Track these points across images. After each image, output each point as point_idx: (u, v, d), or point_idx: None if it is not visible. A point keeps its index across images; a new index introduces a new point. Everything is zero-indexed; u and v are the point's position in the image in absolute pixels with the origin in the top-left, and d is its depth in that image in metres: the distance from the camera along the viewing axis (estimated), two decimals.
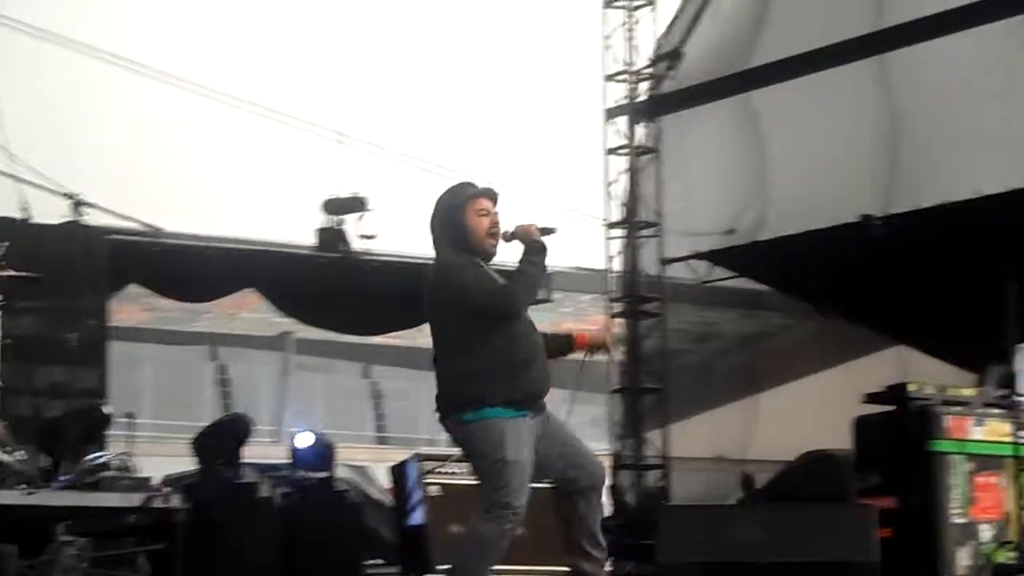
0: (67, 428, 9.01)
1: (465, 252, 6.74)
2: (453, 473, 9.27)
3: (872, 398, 8.41)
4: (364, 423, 29.11)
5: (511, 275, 6.72)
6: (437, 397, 6.91)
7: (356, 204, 13.41)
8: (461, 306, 6.64)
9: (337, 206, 13.52)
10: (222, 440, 9.68)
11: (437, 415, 6.92)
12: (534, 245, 6.72)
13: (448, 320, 6.73)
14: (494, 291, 6.63)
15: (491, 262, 6.81)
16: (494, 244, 6.77)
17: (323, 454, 10.15)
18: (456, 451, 9.54)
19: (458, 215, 6.77)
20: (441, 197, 6.95)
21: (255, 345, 27.24)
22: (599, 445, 16.55)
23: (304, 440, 10.18)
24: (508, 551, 6.68)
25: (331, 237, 13.46)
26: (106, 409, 9.63)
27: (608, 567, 8.56)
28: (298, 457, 10.20)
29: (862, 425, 8.40)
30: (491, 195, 6.86)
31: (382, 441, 28.74)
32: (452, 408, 6.76)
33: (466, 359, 6.66)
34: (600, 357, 6.95)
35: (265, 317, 24.08)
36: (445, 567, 8.68)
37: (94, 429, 9.09)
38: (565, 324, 27.50)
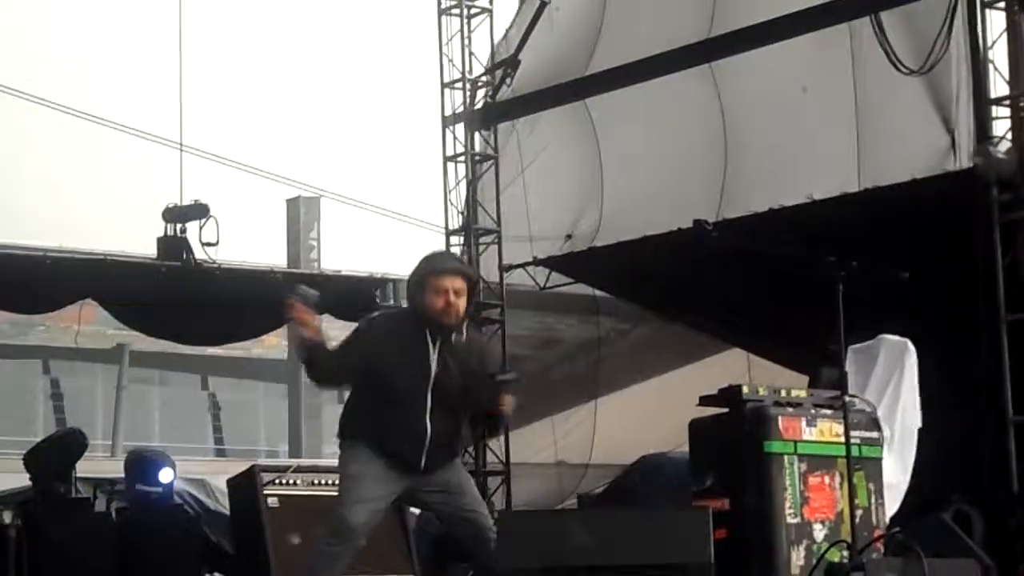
0: None
1: (414, 318, 6.97)
2: (291, 484, 9.21)
3: (706, 400, 8.50)
4: (202, 435, 28.83)
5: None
6: None
7: (197, 211, 13.27)
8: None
9: (178, 214, 13.36)
10: (55, 455, 9.51)
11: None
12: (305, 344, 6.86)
13: None
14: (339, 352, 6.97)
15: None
16: (449, 320, 6.91)
17: (158, 467, 10.00)
18: (294, 462, 9.58)
19: (419, 293, 6.97)
20: (417, 264, 7.14)
21: (90, 359, 26.85)
22: None
23: (166, 476, 10.03)
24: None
25: (173, 245, 13.30)
26: None
27: None
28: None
29: (697, 427, 8.49)
30: (459, 273, 7.02)
31: (220, 453, 28.48)
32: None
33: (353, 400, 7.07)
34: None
35: (100, 330, 23.75)
36: None
37: None
38: None
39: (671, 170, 14.84)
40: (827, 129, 13.45)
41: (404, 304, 7.19)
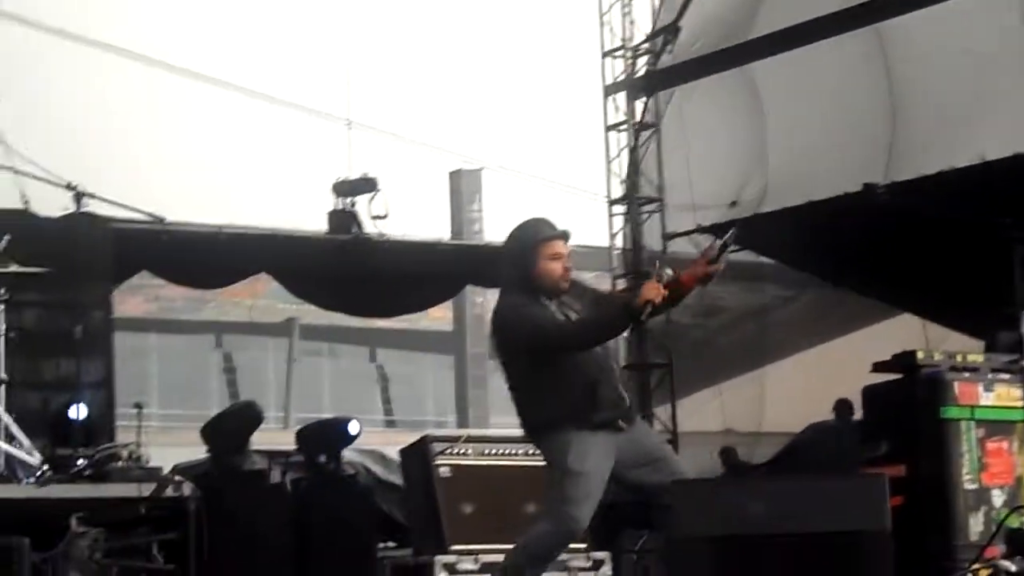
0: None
1: (531, 292, 6.84)
2: (463, 454, 9.27)
3: (880, 367, 8.39)
4: (372, 407, 29.18)
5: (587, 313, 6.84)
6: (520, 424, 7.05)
7: (366, 185, 13.39)
8: (527, 341, 6.77)
9: (347, 188, 13.49)
10: (231, 428, 9.68)
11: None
12: (636, 309, 6.70)
13: (515, 355, 6.90)
14: (548, 326, 6.74)
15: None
16: (566, 285, 6.86)
17: (332, 438, 10.14)
18: (464, 432, 9.64)
19: (529, 259, 6.84)
20: (512, 235, 7.04)
21: (260, 332, 27.31)
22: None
23: (354, 428, 10.12)
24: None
25: (342, 219, 13.44)
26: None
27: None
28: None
29: (870, 394, 8.39)
30: (564, 236, 6.94)
31: (390, 424, 28.82)
32: (530, 432, 6.95)
33: (535, 388, 6.82)
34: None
35: (270, 304, 24.15)
36: (457, 548, 8.74)
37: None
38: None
39: (837, 134, 14.65)
40: (995, 88, 13.18)
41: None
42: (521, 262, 6.86)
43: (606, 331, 6.86)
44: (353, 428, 10.00)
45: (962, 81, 13.51)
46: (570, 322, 6.82)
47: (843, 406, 15.06)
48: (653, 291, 6.68)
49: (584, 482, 6.65)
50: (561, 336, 6.75)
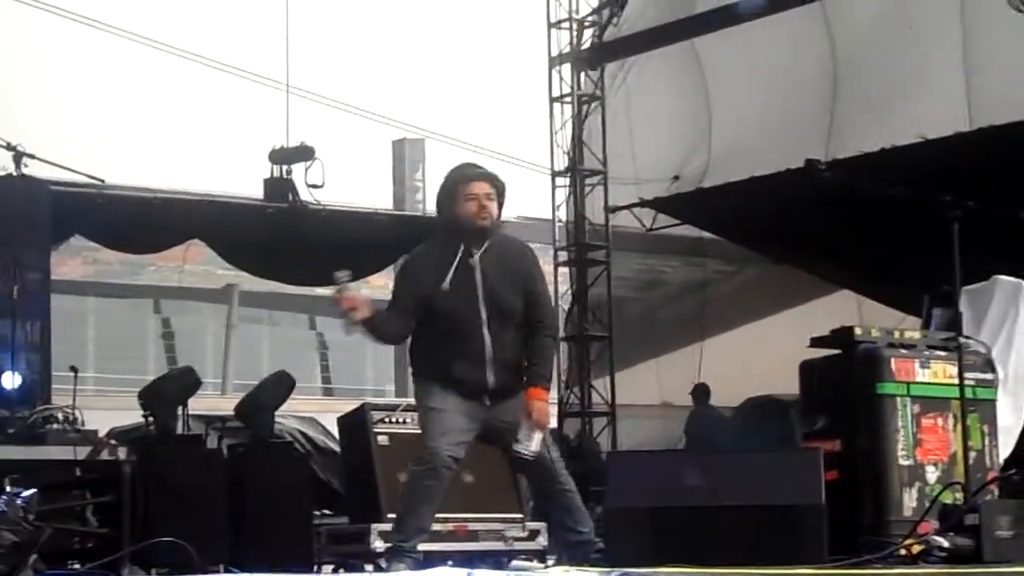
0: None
1: (451, 235, 6.89)
2: (401, 423, 9.26)
3: (818, 342, 8.41)
4: (310, 374, 29.09)
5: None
6: None
7: (303, 153, 13.32)
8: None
9: (284, 156, 13.42)
10: (168, 393, 9.60)
11: None
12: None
13: None
14: (391, 306, 6.92)
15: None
16: (485, 223, 6.83)
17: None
18: (403, 401, 9.61)
19: (451, 201, 6.90)
20: (441, 182, 7.11)
21: (199, 298, 27.16)
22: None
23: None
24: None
25: (279, 187, 13.37)
26: None
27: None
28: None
29: (808, 369, 8.41)
30: (485, 178, 6.94)
31: (328, 392, 28.74)
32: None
33: (415, 335, 6.98)
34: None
35: (209, 270, 23.99)
36: (393, 515, 8.74)
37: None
38: None
39: (779, 111, 14.72)
40: (934, 66, 13.27)
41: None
42: (441, 204, 6.98)
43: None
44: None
45: (903, 60, 13.59)
46: (387, 316, 6.88)
47: (699, 390, 15.26)
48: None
49: (439, 418, 6.77)
50: (379, 325, 6.89)
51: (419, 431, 8.49)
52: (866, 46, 14.09)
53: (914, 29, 13.58)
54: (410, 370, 7.11)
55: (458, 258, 6.82)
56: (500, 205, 6.95)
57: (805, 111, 14.47)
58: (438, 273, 6.80)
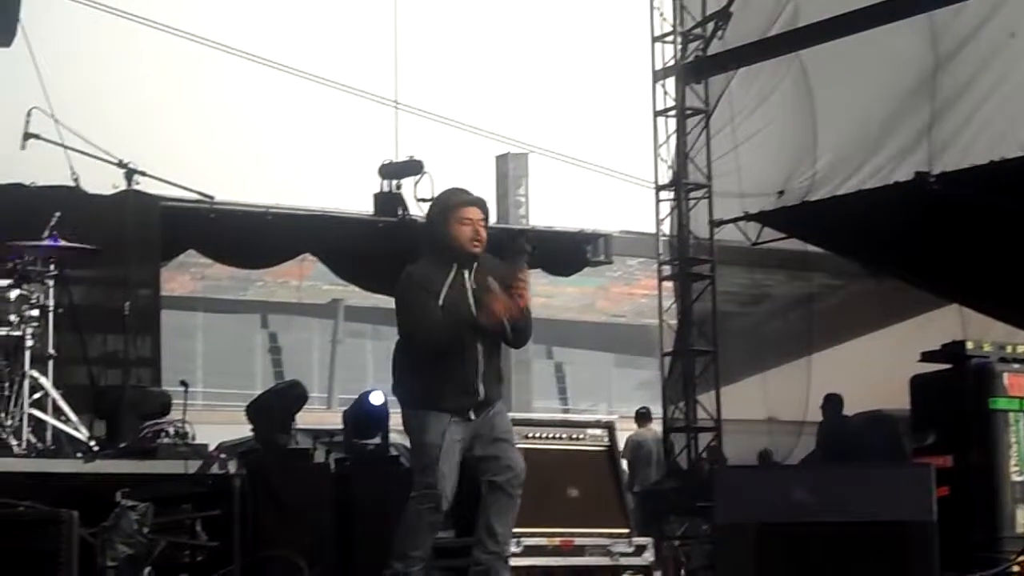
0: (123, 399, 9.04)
1: (442, 255, 7.07)
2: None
3: (929, 356, 8.33)
4: None
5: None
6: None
7: (413, 167, 13.37)
8: (399, 319, 7.11)
9: (393, 170, 13.49)
10: (276, 407, 9.68)
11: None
12: (485, 327, 6.97)
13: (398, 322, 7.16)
14: (420, 326, 6.96)
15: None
16: (477, 249, 7.04)
17: (377, 420, 10.14)
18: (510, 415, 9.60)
19: (443, 223, 7.10)
20: (431, 203, 7.41)
21: (305, 313, 27.41)
22: (651, 408, 16.56)
23: (377, 399, 10.14)
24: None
25: (388, 201, 13.43)
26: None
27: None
28: (362, 415, 10.14)
29: (918, 384, 8.33)
30: (478, 204, 7.16)
31: None
32: (398, 397, 7.21)
33: (402, 362, 7.16)
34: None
35: (315, 284, 24.20)
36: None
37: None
38: (614, 288, 27.53)
39: (883, 124, 14.58)
40: None
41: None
42: (436, 226, 7.14)
43: (454, 341, 6.99)
44: (376, 399, 10.04)
45: (1006, 69, 13.42)
46: (432, 320, 6.93)
47: (830, 401, 15.08)
48: (501, 307, 6.91)
49: (438, 455, 6.91)
50: (423, 332, 6.95)
51: (524, 445, 8.55)
52: (969, 57, 13.93)
53: (1016, 39, 13.42)
54: (400, 397, 7.17)
55: (451, 278, 7.02)
56: (486, 230, 7.17)
57: (914, 123, 14.31)
58: (435, 290, 6.99)
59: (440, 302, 6.96)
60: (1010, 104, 13.31)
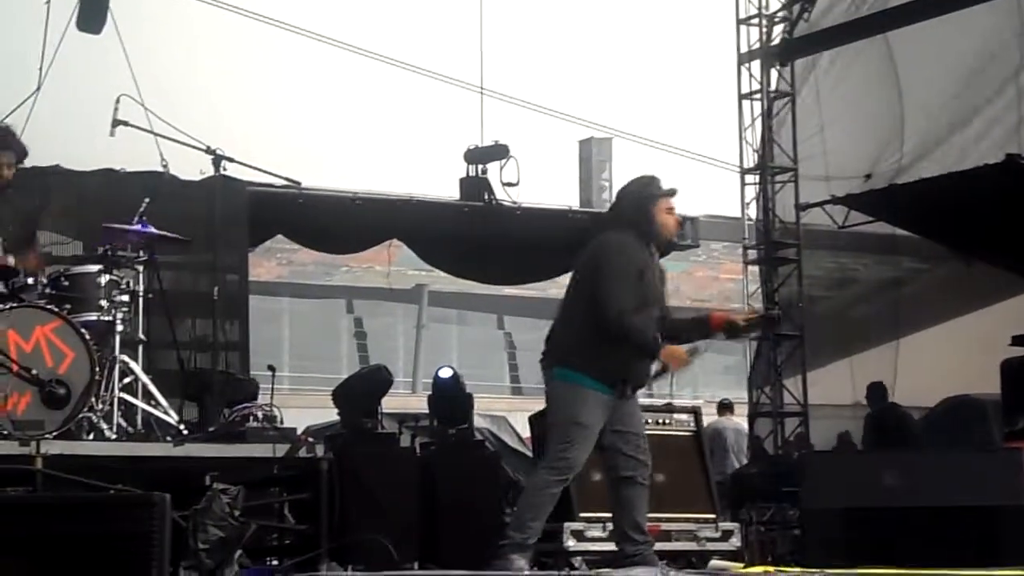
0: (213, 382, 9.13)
1: (642, 238, 7.15)
2: None
3: (1020, 340, 8.24)
4: (499, 374, 29.29)
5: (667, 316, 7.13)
6: (546, 343, 7.37)
7: (498, 152, 13.37)
8: (598, 284, 7.05)
9: (479, 155, 13.49)
10: (361, 391, 9.72)
11: (540, 361, 7.36)
12: (655, 355, 7.05)
13: (585, 287, 7.15)
14: (620, 308, 6.96)
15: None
16: (674, 239, 7.34)
17: (462, 404, 10.16)
18: None
19: (651, 207, 7.17)
20: (634, 181, 7.37)
21: (390, 298, 27.53)
22: (736, 393, 16.52)
23: (445, 372, 10.19)
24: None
25: (474, 186, 13.44)
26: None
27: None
28: (438, 390, 10.20)
29: (1009, 367, 8.26)
30: (675, 195, 7.27)
31: (517, 391, 28.90)
32: (553, 362, 7.25)
33: (579, 327, 7.15)
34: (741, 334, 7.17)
35: (400, 270, 24.30)
36: (585, 515, 8.75)
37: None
38: (698, 272, 27.41)
39: (971, 106, 14.44)
40: None
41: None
42: (643, 206, 7.18)
43: (642, 350, 7.06)
44: (445, 372, 10.11)
45: None
46: (634, 316, 6.97)
47: (876, 389, 14.93)
48: (676, 360, 6.97)
49: (583, 434, 7.03)
50: (620, 320, 6.95)
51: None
52: None
53: None
54: (562, 362, 7.18)
55: (654, 258, 7.16)
56: None
57: (1003, 104, 14.17)
58: (650, 271, 7.11)
59: (642, 279, 7.04)
60: None
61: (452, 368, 10.16)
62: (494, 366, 29.44)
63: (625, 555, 7.19)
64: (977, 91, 14.39)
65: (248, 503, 7.15)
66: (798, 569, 6.26)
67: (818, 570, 5.68)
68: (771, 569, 6.35)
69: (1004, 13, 13.90)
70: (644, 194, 7.19)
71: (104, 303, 8.14)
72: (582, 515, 8.79)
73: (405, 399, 18.11)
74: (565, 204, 15.46)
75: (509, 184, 13.36)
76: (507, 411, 15.60)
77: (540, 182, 15.47)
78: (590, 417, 6.99)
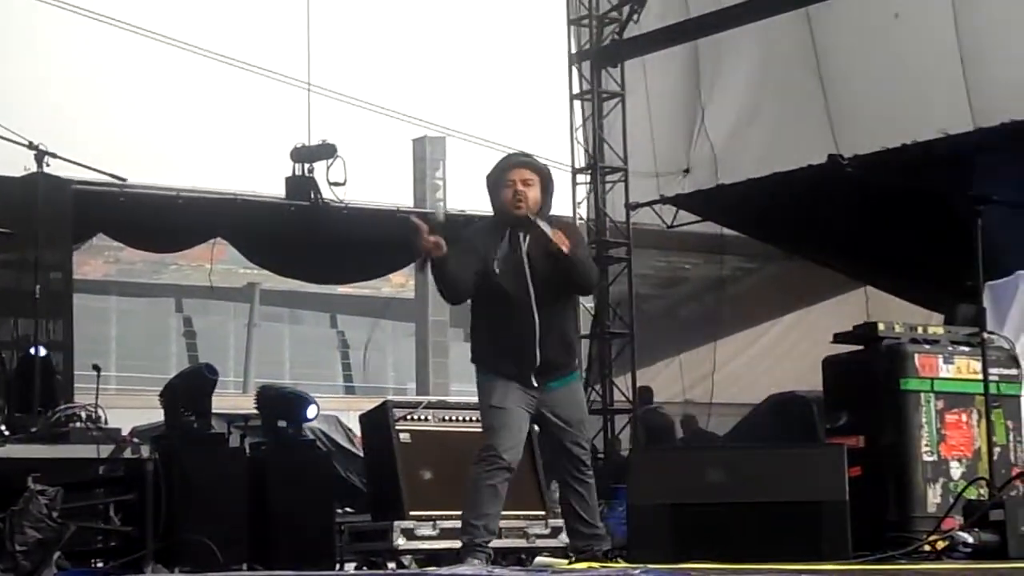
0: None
1: (497, 224, 7.00)
2: (423, 420, 9.25)
3: (841, 338, 8.38)
4: (332, 373, 29.16)
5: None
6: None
7: (325, 151, 13.31)
8: None
9: (306, 154, 13.41)
10: (188, 390, 9.58)
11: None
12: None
13: None
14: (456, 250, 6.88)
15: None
16: (520, 210, 6.91)
17: (291, 404, 10.07)
18: (425, 399, 9.59)
19: (493, 192, 7.05)
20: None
21: (221, 297, 27.24)
22: None
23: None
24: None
25: (301, 185, 13.37)
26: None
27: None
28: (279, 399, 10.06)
29: (831, 365, 8.37)
30: (520, 164, 7.05)
31: (350, 391, 28.79)
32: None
33: (473, 325, 7.16)
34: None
35: (231, 269, 24.05)
36: (415, 513, 8.74)
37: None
38: None
39: (800, 108, 14.74)
40: (932, 60, 13.34)
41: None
42: (490, 193, 7.07)
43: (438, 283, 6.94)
44: (311, 412, 9.90)
45: (899, 55, 13.65)
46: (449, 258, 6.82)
47: (644, 393, 15.24)
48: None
49: (500, 416, 6.90)
50: (451, 266, 6.82)
51: (441, 428, 8.53)
52: (848, 44, 14.22)
53: (902, 21, 13.66)
54: (471, 359, 7.16)
55: (505, 242, 6.93)
56: (545, 191, 7.03)
57: (826, 106, 14.50)
58: (488, 254, 6.93)
59: (496, 267, 6.87)
60: (919, 88, 13.48)
61: (317, 408, 9.89)
62: (327, 365, 29.30)
63: (575, 550, 7.16)
64: (785, 92, 14.80)
65: (69, 504, 7.01)
66: (622, 564, 6.29)
67: (642, 565, 5.71)
68: (596, 565, 6.36)
69: (797, 20, 14.31)
70: (488, 186, 7.08)
71: None
72: (412, 513, 8.78)
73: (236, 399, 17.92)
74: (397, 203, 15.43)
75: (336, 184, 13.30)
76: (340, 410, 15.52)
77: (373, 181, 15.42)
78: (502, 401, 6.92)
